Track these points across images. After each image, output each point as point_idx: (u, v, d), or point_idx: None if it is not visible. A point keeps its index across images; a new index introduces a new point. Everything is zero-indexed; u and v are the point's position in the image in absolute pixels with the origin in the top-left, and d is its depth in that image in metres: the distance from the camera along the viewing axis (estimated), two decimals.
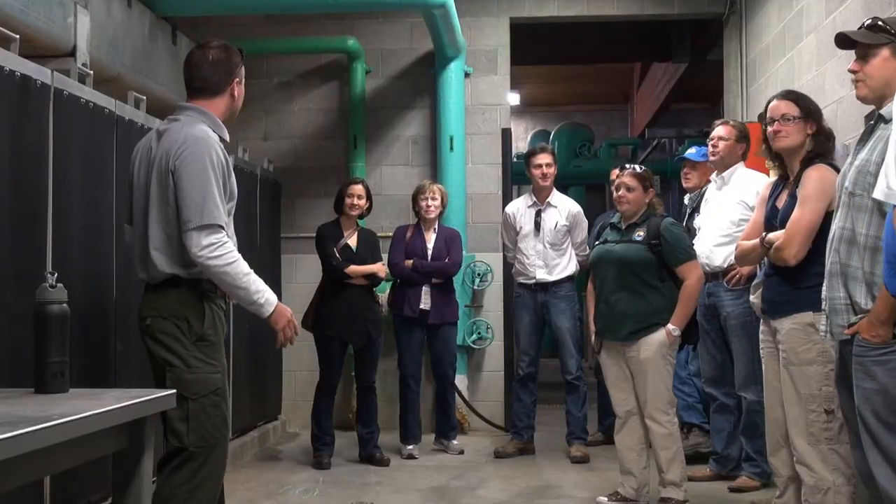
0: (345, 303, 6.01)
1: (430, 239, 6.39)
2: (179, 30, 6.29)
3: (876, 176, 2.99)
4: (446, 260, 6.35)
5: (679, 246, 4.82)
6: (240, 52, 3.61)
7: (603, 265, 4.94)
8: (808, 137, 3.86)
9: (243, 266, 3.37)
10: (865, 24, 3.20)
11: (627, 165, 5.11)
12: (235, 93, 3.56)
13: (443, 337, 6.43)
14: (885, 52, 3.12)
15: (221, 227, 3.30)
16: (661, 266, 4.81)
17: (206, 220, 3.26)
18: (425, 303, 6.28)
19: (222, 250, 3.30)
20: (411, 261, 6.28)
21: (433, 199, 6.35)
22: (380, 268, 6.10)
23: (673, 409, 4.85)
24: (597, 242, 5.13)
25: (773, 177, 4.97)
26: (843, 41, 3.25)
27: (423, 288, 6.29)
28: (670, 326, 4.74)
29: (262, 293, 3.44)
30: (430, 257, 6.32)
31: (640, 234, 4.86)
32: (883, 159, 2.96)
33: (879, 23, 3.14)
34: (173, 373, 3.31)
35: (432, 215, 6.38)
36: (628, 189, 4.92)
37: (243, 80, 3.61)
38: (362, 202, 6.09)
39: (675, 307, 4.77)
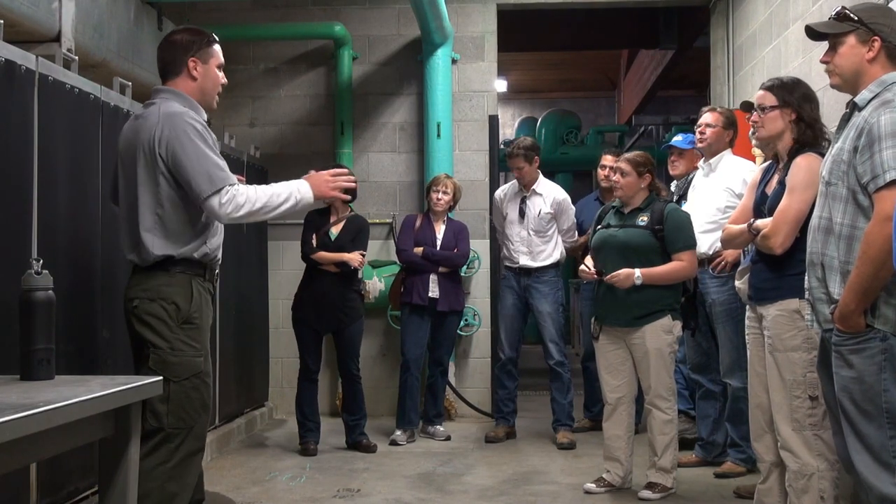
0: (316, 289, 6.01)
1: (440, 230, 6.45)
2: (165, 15, 6.25)
3: (849, 164, 2.99)
4: (454, 251, 6.41)
5: (680, 233, 4.81)
6: (209, 35, 3.62)
7: (605, 250, 4.92)
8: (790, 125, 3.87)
9: (261, 196, 3.45)
10: (832, 15, 3.21)
11: (616, 150, 5.10)
12: (195, 72, 3.55)
13: (446, 324, 6.49)
14: (850, 40, 3.13)
15: (231, 185, 3.39)
16: (664, 252, 4.80)
17: (216, 186, 3.35)
18: (433, 291, 6.34)
19: (235, 203, 3.38)
20: (421, 248, 6.34)
21: (444, 192, 6.40)
22: (351, 257, 5.93)
23: (674, 396, 4.87)
24: (598, 227, 5.08)
25: (759, 164, 4.98)
26: (811, 34, 3.26)
27: (431, 276, 6.35)
28: (636, 271, 4.73)
29: (290, 196, 3.51)
30: (439, 247, 6.39)
31: (643, 220, 4.84)
32: (854, 147, 2.96)
33: (845, 11, 3.15)
34: (157, 354, 3.36)
35: (440, 208, 6.42)
36: (622, 174, 4.92)
37: (210, 61, 3.59)
38: None
39: (678, 292, 4.80)
